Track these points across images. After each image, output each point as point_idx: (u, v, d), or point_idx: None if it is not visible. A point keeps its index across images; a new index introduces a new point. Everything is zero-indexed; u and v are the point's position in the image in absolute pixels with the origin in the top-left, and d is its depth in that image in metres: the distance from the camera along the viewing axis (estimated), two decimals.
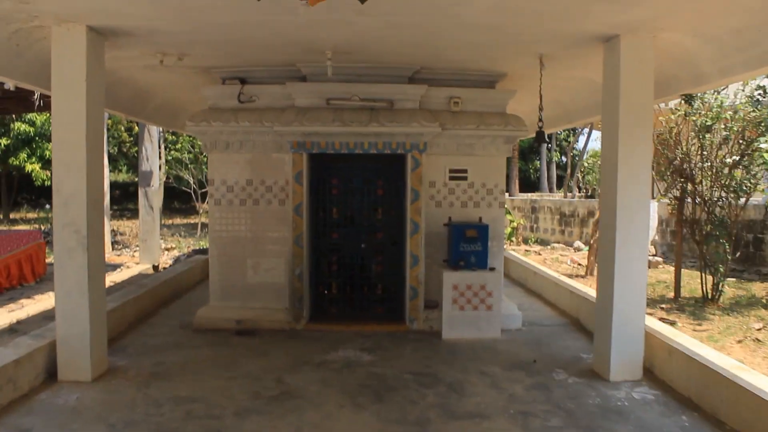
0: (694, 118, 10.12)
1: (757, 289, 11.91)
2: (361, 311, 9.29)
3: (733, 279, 12.26)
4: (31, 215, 30.98)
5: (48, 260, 13.51)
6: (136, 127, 23.20)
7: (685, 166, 10.34)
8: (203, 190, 20.95)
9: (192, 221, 27.37)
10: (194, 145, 23.13)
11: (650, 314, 7.72)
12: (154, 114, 11.33)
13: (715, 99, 10.22)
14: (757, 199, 12.69)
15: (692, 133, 10.35)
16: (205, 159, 18.14)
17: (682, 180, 10.47)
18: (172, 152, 23.86)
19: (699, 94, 10.02)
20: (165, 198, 30.79)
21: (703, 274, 10.65)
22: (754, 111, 9.98)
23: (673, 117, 10.48)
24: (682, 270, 11.55)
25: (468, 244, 8.51)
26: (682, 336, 7.08)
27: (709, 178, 10.38)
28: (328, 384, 6.67)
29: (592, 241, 12.93)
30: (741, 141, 10.08)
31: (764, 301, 10.75)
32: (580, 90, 9.94)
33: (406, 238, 8.89)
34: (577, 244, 17.88)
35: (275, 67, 8.78)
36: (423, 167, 8.76)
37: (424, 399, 6.25)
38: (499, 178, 9.14)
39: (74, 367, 6.61)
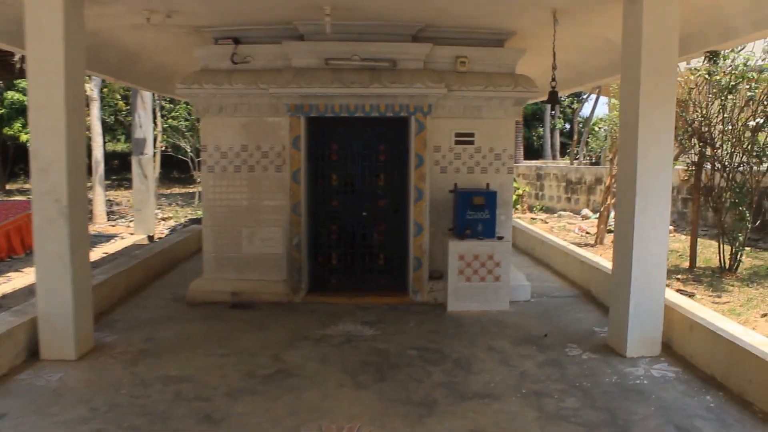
0: (718, 77, 9.54)
1: None
2: (363, 282, 8.89)
3: (749, 248, 11.82)
4: (28, 186, 30.44)
5: None
6: None
7: (704, 130, 9.83)
8: (200, 159, 20.47)
9: (190, 190, 26.88)
10: (191, 113, 22.60)
11: (666, 285, 7.28)
12: (144, 78, 10.83)
13: (739, 57, 9.63)
14: None
15: (711, 95, 9.80)
16: None
17: (701, 144, 9.96)
18: (169, 120, 23.34)
19: (723, 52, 9.45)
20: (163, 167, 30.36)
21: (721, 244, 10.18)
22: None
23: (692, 77, 9.92)
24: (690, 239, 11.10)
25: (475, 212, 8.06)
26: (704, 309, 6.67)
27: (729, 143, 9.85)
28: (327, 361, 6.28)
29: (602, 209, 12.47)
30: (766, 102, 9.51)
31: None
32: (593, 50, 9.42)
33: (410, 206, 8.44)
34: (585, 211, 17.42)
35: (271, 25, 8.28)
36: (427, 131, 8.28)
37: (430, 377, 5.86)
38: (508, 142, 8.66)
39: (57, 345, 6.21)
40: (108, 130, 32.16)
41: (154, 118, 23.18)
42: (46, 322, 6.20)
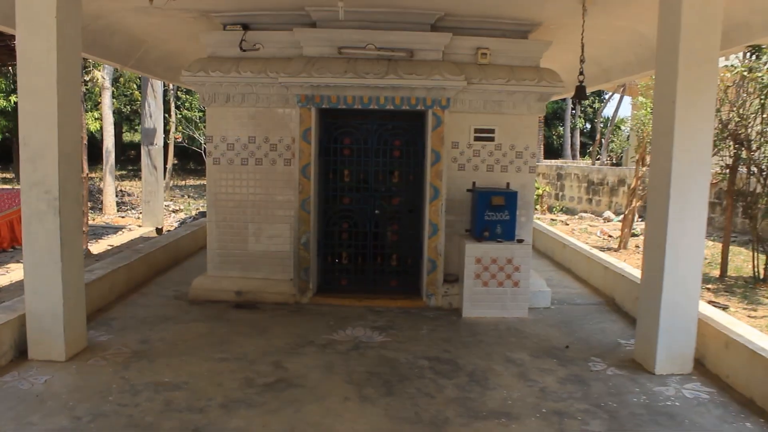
0: (760, 74, 8.95)
1: None
2: (374, 284, 8.45)
3: None
4: None
5: None
6: None
7: (740, 131, 9.27)
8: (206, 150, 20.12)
9: (204, 182, 26.56)
10: None
11: None
12: (152, 65, 10.43)
13: None
14: None
15: (750, 93, 9.22)
16: None
17: (736, 146, 9.40)
18: (183, 111, 23.01)
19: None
20: (180, 158, 30.18)
21: (755, 252, 9.62)
22: None
23: (729, 75, 9.37)
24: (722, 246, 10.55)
25: (494, 213, 7.61)
26: (740, 324, 6.15)
27: None
28: (332, 370, 5.85)
29: (626, 212, 11.93)
30: None
31: None
32: (622, 44, 8.92)
33: (425, 205, 7.98)
34: (607, 214, 16.86)
35: (282, 11, 7.89)
36: (445, 126, 7.81)
37: (442, 392, 5.41)
38: (530, 139, 8.19)
39: (46, 345, 5.83)
40: (125, 119, 31.99)
41: (168, 108, 22.92)
42: (34, 321, 5.82)
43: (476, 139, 8.07)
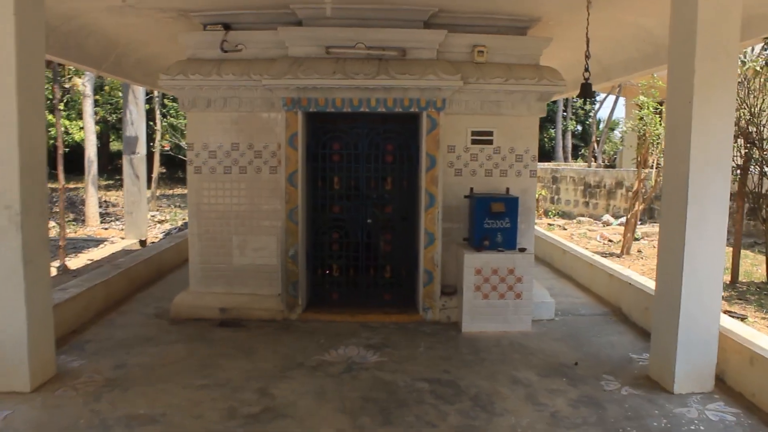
0: None
1: None
2: (367, 298, 7.97)
3: None
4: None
5: None
6: None
7: (751, 129, 8.82)
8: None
9: None
10: None
11: None
12: (129, 69, 9.91)
13: None
14: None
15: (761, 90, 8.78)
16: None
17: (747, 145, 8.96)
18: (169, 119, 22.48)
19: None
20: (168, 167, 29.63)
21: None
22: None
23: (739, 71, 8.92)
24: (731, 250, 10.12)
25: (494, 220, 7.15)
26: (763, 337, 5.69)
27: None
28: (324, 397, 5.36)
29: (629, 216, 11.48)
30: None
31: None
32: (624, 40, 8.48)
33: (420, 213, 7.51)
34: (606, 217, 16.42)
35: (265, 10, 7.43)
36: (441, 128, 7.35)
37: (445, 420, 4.93)
38: (531, 141, 7.74)
39: (8, 374, 5.30)
40: (111, 128, 31.44)
41: (153, 116, 22.39)
42: None
43: (474, 142, 7.62)
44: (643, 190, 11.56)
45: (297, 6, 7.19)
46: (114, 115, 28.54)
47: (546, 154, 39.89)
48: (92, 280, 7.98)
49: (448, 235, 7.60)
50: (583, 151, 39.55)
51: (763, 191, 9.19)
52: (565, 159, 37.61)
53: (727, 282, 9.68)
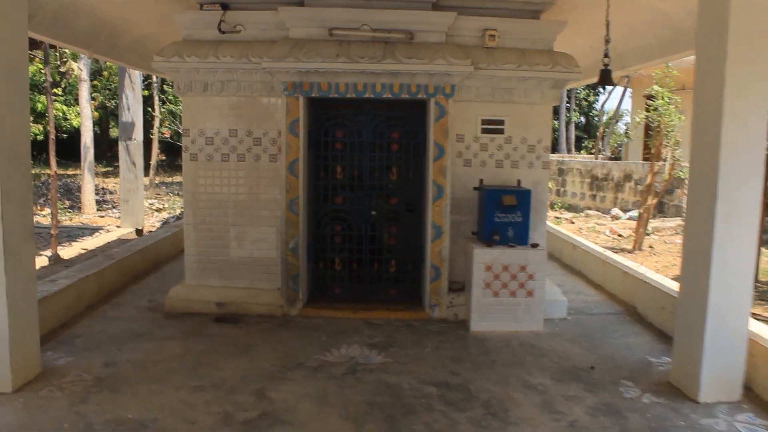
0: None
1: None
2: (371, 293, 7.62)
3: None
4: (33, 171, 29.38)
5: None
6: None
7: None
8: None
9: None
10: None
11: None
12: (123, 51, 9.50)
13: None
14: None
15: None
16: None
17: None
18: (168, 105, 22.08)
19: None
20: (168, 154, 29.20)
21: None
22: None
23: None
24: None
25: (505, 214, 6.79)
26: None
27: None
28: (325, 401, 5.02)
29: (641, 211, 11.11)
30: None
31: None
32: (640, 26, 8.08)
33: (427, 205, 7.15)
34: (615, 211, 16.03)
35: None
36: (449, 116, 6.98)
37: (456, 429, 4.58)
38: (544, 131, 7.37)
39: None
40: (110, 114, 31.02)
41: (151, 101, 21.99)
42: None
43: (484, 131, 7.25)
44: (656, 184, 11.20)
45: None
46: (113, 101, 28.11)
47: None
48: (84, 271, 7.64)
49: (457, 228, 7.25)
50: (586, 143, 39.12)
51: None
52: (569, 151, 37.15)
53: None
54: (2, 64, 4.76)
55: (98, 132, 29.08)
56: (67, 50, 16.66)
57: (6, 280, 4.88)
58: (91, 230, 13.20)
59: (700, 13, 5.11)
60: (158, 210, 17.20)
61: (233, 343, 6.29)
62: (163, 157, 28.01)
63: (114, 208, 17.02)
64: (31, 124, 25.19)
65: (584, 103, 41.26)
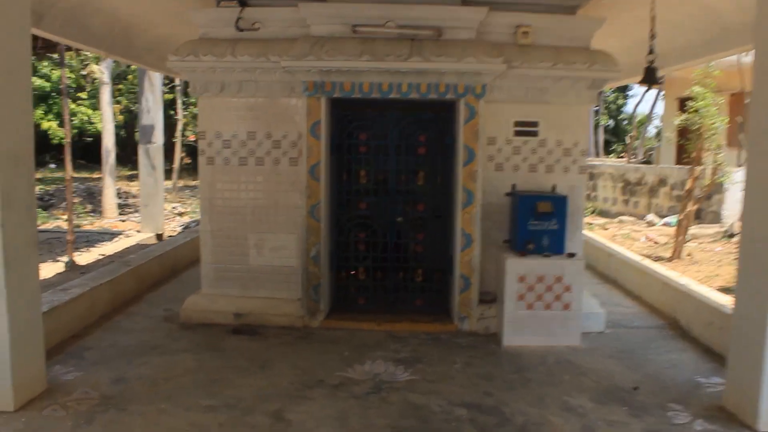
0: None
1: None
2: (396, 304, 7.24)
3: None
4: (59, 174, 29.47)
5: None
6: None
7: None
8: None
9: None
10: None
11: None
12: (141, 52, 9.23)
13: None
14: None
15: None
16: None
17: None
18: (191, 108, 21.92)
19: None
20: (194, 157, 29.06)
21: None
22: None
23: None
24: None
25: (540, 222, 6.37)
26: None
27: None
28: (346, 423, 4.65)
29: (681, 217, 10.59)
30: None
31: None
32: (684, 23, 7.61)
33: (456, 211, 6.76)
34: (650, 217, 15.45)
35: None
36: (480, 118, 6.58)
37: None
38: (580, 134, 6.95)
39: None
40: (135, 118, 31.03)
41: (174, 105, 21.82)
42: None
43: (517, 133, 6.84)
44: (698, 189, 10.68)
45: None
46: (137, 105, 28.08)
47: None
48: (97, 279, 7.35)
49: (487, 236, 6.84)
50: (615, 146, 38.48)
51: None
52: (597, 155, 36.52)
53: None
54: (4, 64, 4.45)
55: (124, 135, 29.09)
56: (88, 53, 16.50)
57: (7, 292, 4.57)
58: (111, 235, 12.98)
59: (759, 6, 4.66)
60: (180, 214, 16.98)
61: (250, 357, 5.94)
62: (188, 161, 27.90)
63: (136, 212, 16.82)
64: (57, 128, 25.25)
65: (613, 106, 40.62)
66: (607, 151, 38.65)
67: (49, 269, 9.60)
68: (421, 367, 5.76)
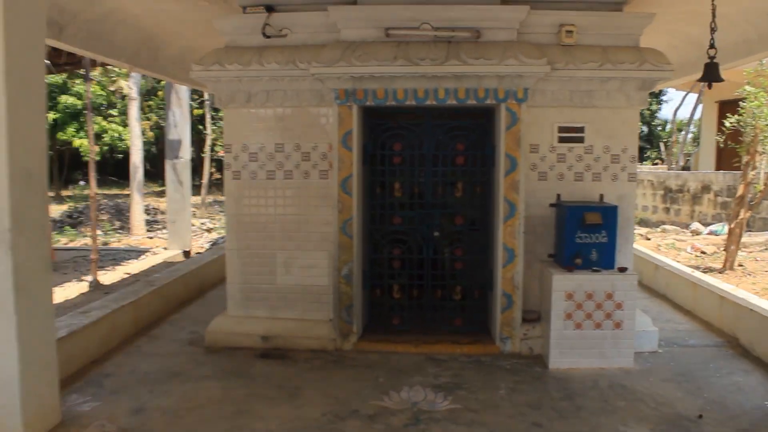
0: None
1: None
2: (433, 323, 6.82)
3: None
4: (86, 192, 29.57)
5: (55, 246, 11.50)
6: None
7: None
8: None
9: None
10: None
11: None
12: (167, 65, 8.94)
13: None
14: None
15: None
16: None
17: None
18: (219, 122, 21.75)
19: None
20: (222, 173, 28.97)
21: None
22: None
23: None
24: None
25: (588, 234, 5.94)
26: None
27: None
28: None
29: (732, 225, 10.00)
30: None
31: None
32: (739, 18, 7.10)
33: (498, 224, 6.32)
34: (695, 225, 14.82)
35: None
36: (522, 124, 6.16)
37: None
38: (629, 139, 6.49)
39: None
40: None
41: (203, 120, 21.68)
42: None
43: (561, 140, 6.40)
44: (750, 196, 10.10)
45: None
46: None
47: None
48: (120, 300, 7.04)
49: (531, 251, 6.39)
50: (648, 153, 37.74)
51: None
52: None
53: None
54: (14, 80, 4.15)
55: (155, 152, 29.08)
56: (116, 68, 16.38)
57: (17, 318, 4.24)
58: (138, 252, 12.73)
59: None
60: (209, 230, 16.72)
61: (279, 384, 5.55)
62: (218, 176, 27.76)
63: (164, 228, 16.62)
64: (89, 145, 25.28)
65: (646, 112, 39.84)
66: (641, 158, 37.91)
67: (72, 289, 9.35)
68: (462, 394, 5.33)
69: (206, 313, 7.57)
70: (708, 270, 9.99)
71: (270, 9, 6.42)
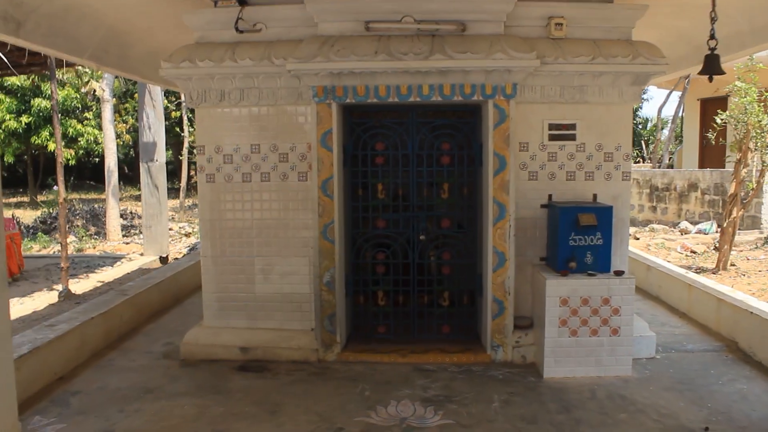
0: None
1: None
2: (421, 332, 6.53)
3: None
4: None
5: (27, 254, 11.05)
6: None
7: None
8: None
9: None
10: None
11: None
12: (136, 64, 8.48)
13: None
14: None
15: None
16: None
17: None
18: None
19: None
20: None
21: None
22: None
23: None
24: None
25: (582, 236, 5.65)
26: None
27: None
28: None
29: (725, 225, 9.76)
30: None
31: None
32: (729, 10, 6.82)
33: (486, 227, 6.02)
34: (684, 224, 14.61)
35: None
36: (511, 121, 5.85)
37: None
38: (623, 136, 6.21)
39: None
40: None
41: (181, 122, 21.26)
42: None
43: (552, 137, 6.11)
44: (743, 193, 9.87)
45: None
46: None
47: None
48: (89, 311, 6.68)
49: (522, 254, 6.10)
50: (634, 151, 37.86)
51: None
52: None
53: None
54: None
55: (132, 155, 28.59)
56: (87, 69, 15.89)
57: None
58: (113, 259, 12.28)
59: None
60: (187, 235, 16.29)
61: (258, 401, 5.21)
62: (197, 179, 27.37)
63: (140, 233, 16.18)
64: (63, 149, 24.73)
65: None
66: None
67: (42, 299, 8.92)
68: (453, 408, 5.02)
69: (183, 323, 7.24)
70: (700, 270, 9.76)
71: (243, 2, 6.09)
